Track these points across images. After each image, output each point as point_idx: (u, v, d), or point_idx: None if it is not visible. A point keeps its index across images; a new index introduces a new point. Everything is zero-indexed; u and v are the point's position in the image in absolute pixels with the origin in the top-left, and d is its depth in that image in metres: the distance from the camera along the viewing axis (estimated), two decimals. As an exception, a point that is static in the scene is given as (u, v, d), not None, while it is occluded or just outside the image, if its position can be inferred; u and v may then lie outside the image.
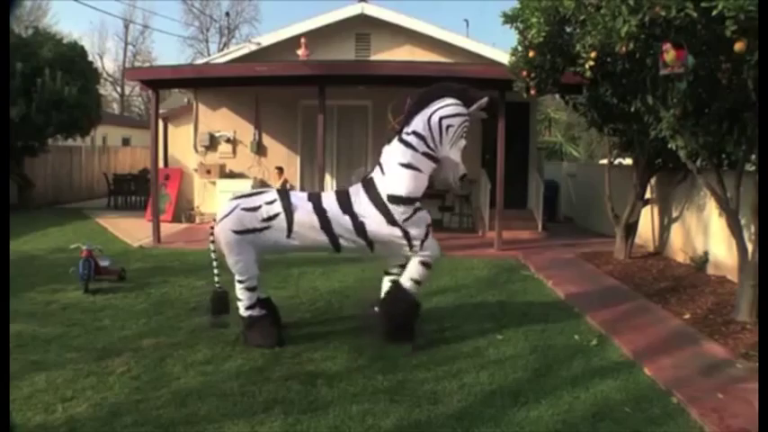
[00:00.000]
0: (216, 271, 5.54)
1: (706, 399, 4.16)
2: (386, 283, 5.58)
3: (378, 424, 3.81)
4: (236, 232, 5.17)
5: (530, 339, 5.47)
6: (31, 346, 5.08)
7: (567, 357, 5.06)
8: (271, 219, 5.17)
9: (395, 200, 5.18)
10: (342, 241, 5.25)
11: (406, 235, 5.22)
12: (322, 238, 5.22)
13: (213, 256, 5.50)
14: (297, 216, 5.17)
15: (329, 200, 5.33)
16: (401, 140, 5.26)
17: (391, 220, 5.18)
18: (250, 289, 5.26)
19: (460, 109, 5.24)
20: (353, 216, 5.20)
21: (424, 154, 5.22)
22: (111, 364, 4.73)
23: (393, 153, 5.30)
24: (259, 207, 5.21)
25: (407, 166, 5.21)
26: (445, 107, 5.22)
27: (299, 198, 5.36)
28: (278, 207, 5.19)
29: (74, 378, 4.43)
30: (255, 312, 5.28)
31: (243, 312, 5.29)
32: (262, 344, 5.15)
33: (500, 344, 5.34)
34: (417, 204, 5.29)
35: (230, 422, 3.79)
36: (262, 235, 5.19)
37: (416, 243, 5.24)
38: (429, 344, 5.27)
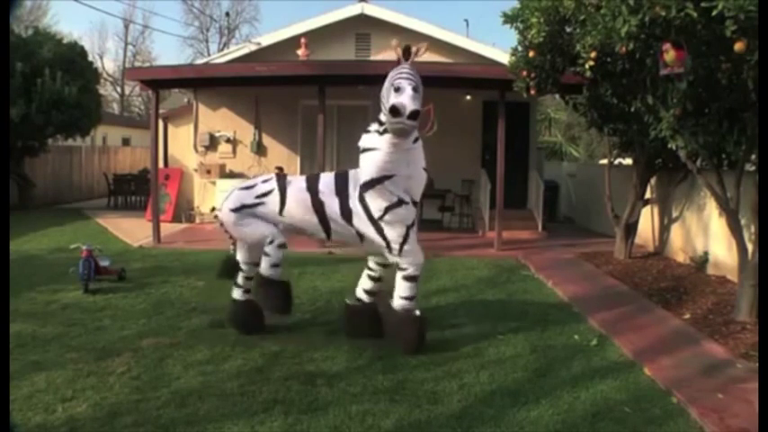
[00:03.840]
0: (232, 246, 5.68)
1: (706, 399, 4.16)
2: (364, 279, 5.57)
3: (378, 424, 3.81)
4: (234, 210, 5.32)
5: (530, 339, 5.47)
6: (31, 346, 5.08)
7: (567, 357, 5.06)
8: (265, 195, 5.28)
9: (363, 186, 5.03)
10: (332, 224, 5.22)
11: (383, 235, 5.06)
12: (312, 218, 5.22)
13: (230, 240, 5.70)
14: (289, 192, 5.25)
15: (326, 180, 5.32)
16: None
17: (370, 215, 5.06)
18: (280, 246, 5.27)
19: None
20: (344, 198, 5.15)
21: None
22: (111, 364, 4.73)
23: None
24: (254, 186, 5.41)
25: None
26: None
27: (296, 178, 5.46)
28: (272, 184, 5.33)
29: (74, 378, 4.43)
30: (276, 274, 5.30)
31: (265, 271, 5.28)
32: (271, 307, 5.29)
33: (500, 344, 5.34)
34: (398, 197, 4.96)
35: (230, 422, 3.78)
36: (256, 210, 5.29)
37: (395, 247, 5.05)
38: (434, 345, 5.25)
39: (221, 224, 5.51)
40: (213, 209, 5.63)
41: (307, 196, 5.21)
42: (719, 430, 3.74)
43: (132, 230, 11.60)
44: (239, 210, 5.31)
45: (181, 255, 9.39)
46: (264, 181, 5.42)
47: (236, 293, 5.60)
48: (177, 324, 5.79)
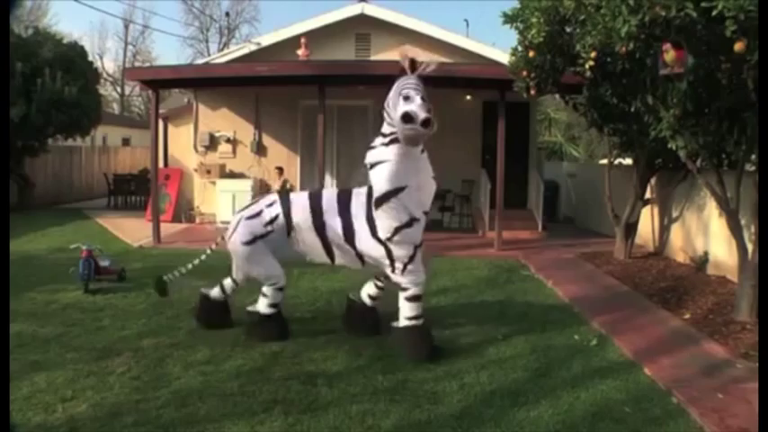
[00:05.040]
0: (183, 269, 5.81)
1: (706, 399, 4.16)
2: (370, 284, 5.60)
3: (378, 424, 3.81)
4: (246, 243, 5.26)
5: (530, 339, 5.47)
6: (31, 346, 5.08)
7: (567, 357, 5.06)
8: (272, 221, 5.24)
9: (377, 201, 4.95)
10: (335, 248, 5.20)
11: (389, 254, 5.02)
12: (316, 241, 5.20)
13: (203, 257, 5.80)
14: (294, 213, 5.21)
15: (328, 198, 5.29)
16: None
17: (375, 235, 5.02)
18: (279, 289, 5.34)
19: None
20: (347, 219, 5.12)
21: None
22: (111, 364, 4.73)
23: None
24: (260, 213, 5.31)
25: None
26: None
27: (299, 196, 5.40)
28: (277, 209, 5.27)
29: (74, 378, 4.43)
30: (274, 311, 5.38)
31: (263, 309, 5.35)
32: (269, 338, 5.27)
33: (500, 344, 5.34)
34: (410, 215, 4.91)
35: (230, 422, 3.78)
36: (269, 239, 5.26)
37: (398, 266, 5.00)
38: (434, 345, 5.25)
39: (215, 242, 5.66)
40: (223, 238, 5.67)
41: (310, 217, 5.18)
42: (719, 430, 3.74)
43: (132, 230, 11.60)
44: (252, 242, 5.24)
45: (181, 255, 9.35)
46: (269, 205, 5.32)
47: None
48: (177, 324, 5.79)
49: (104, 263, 7.31)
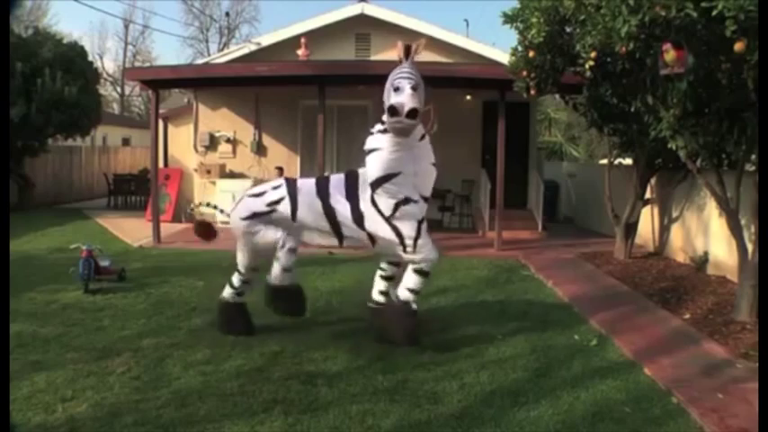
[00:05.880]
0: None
1: (706, 399, 4.16)
2: (377, 280, 5.59)
3: (378, 424, 3.81)
4: (244, 218, 5.24)
5: (530, 339, 5.47)
6: (31, 346, 5.08)
7: (567, 357, 5.06)
8: (276, 203, 5.19)
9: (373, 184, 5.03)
10: (344, 230, 5.18)
11: (397, 232, 5.05)
12: (324, 224, 5.18)
13: (221, 210, 5.86)
14: (300, 199, 5.17)
15: (336, 183, 5.27)
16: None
17: (382, 216, 5.06)
18: (291, 250, 5.22)
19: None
20: (355, 202, 5.12)
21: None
22: (111, 364, 4.72)
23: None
24: (264, 193, 5.31)
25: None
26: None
27: (306, 183, 5.36)
28: (283, 191, 5.23)
29: (74, 378, 4.43)
30: (288, 278, 5.30)
31: (276, 277, 5.28)
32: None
33: (500, 344, 5.34)
34: (405, 195, 5.00)
35: (230, 422, 3.78)
36: (268, 218, 5.19)
37: (409, 243, 5.04)
38: (434, 345, 5.24)
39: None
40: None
41: (318, 202, 5.16)
42: (719, 430, 3.74)
43: (132, 230, 11.60)
44: (250, 218, 5.21)
45: (181, 255, 9.38)
46: (275, 188, 5.30)
47: (227, 293, 5.54)
48: (177, 324, 5.79)
49: (104, 263, 7.30)
